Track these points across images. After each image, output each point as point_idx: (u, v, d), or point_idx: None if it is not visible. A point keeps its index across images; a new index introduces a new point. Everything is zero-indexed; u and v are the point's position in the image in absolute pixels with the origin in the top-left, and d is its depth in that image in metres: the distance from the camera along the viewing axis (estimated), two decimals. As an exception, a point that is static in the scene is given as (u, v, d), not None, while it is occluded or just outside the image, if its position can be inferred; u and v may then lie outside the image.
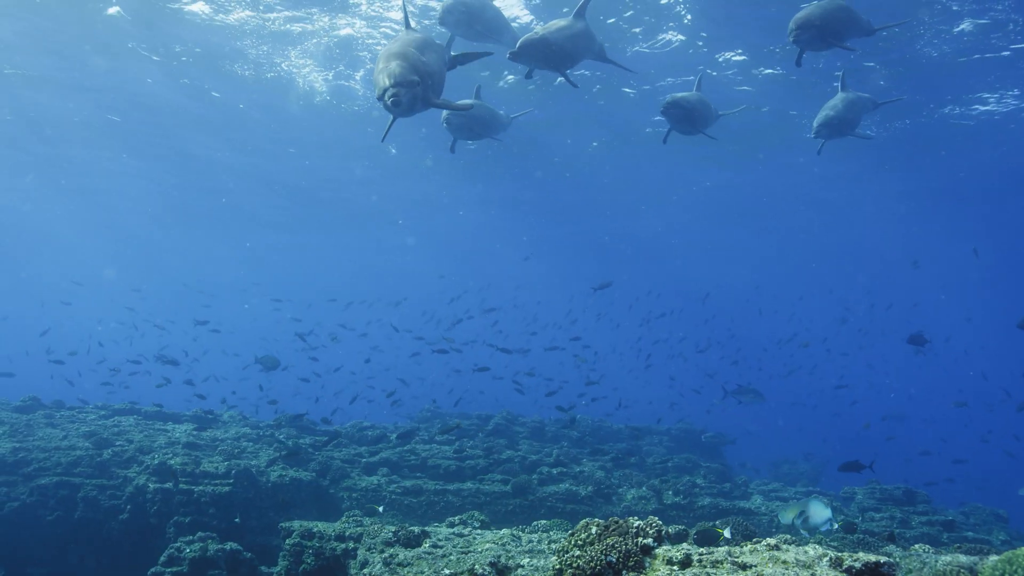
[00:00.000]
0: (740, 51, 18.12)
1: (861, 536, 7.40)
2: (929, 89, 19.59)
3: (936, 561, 4.69)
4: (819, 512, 9.27)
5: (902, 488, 14.18)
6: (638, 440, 18.92)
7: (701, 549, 4.39)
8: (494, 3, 10.37)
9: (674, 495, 13.26)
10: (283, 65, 19.92)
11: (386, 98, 6.23)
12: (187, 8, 16.89)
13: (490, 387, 27.12)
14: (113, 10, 16.98)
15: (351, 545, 8.66)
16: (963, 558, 4.54)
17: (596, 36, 9.44)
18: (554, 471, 14.18)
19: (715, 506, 12.96)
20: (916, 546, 5.08)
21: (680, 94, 10.15)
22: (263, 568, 10.61)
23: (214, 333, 25.33)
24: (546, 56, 8.38)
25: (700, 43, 17.75)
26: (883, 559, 4.00)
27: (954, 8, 15.36)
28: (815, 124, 10.73)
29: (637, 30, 17.16)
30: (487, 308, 28.05)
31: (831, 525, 9.26)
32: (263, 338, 36.34)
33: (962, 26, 16.15)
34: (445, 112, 9.36)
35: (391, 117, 7.12)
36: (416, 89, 6.29)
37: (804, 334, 31.13)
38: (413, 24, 10.31)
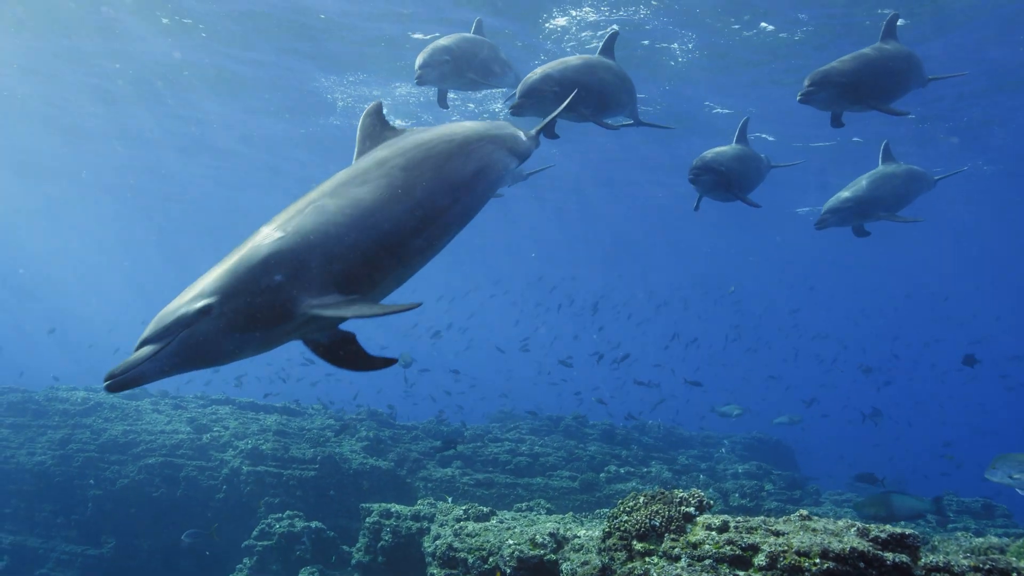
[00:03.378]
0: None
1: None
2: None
3: (971, 542, 4.93)
4: (908, 504, 8.92)
5: (980, 501, 13.86)
6: (709, 447, 19.03)
7: (739, 518, 4.77)
8: (487, 40, 8.41)
9: (740, 497, 13.40)
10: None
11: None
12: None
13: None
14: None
15: (425, 524, 9.30)
16: (995, 539, 4.77)
17: (632, 88, 7.58)
18: (621, 470, 14.52)
19: (781, 510, 13.00)
20: (958, 532, 5.28)
21: (712, 152, 7.89)
22: (344, 547, 11.39)
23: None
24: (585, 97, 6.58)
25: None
26: (908, 531, 4.30)
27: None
28: (822, 209, 8.57)
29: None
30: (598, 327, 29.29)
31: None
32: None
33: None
34: None
35: None
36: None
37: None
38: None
